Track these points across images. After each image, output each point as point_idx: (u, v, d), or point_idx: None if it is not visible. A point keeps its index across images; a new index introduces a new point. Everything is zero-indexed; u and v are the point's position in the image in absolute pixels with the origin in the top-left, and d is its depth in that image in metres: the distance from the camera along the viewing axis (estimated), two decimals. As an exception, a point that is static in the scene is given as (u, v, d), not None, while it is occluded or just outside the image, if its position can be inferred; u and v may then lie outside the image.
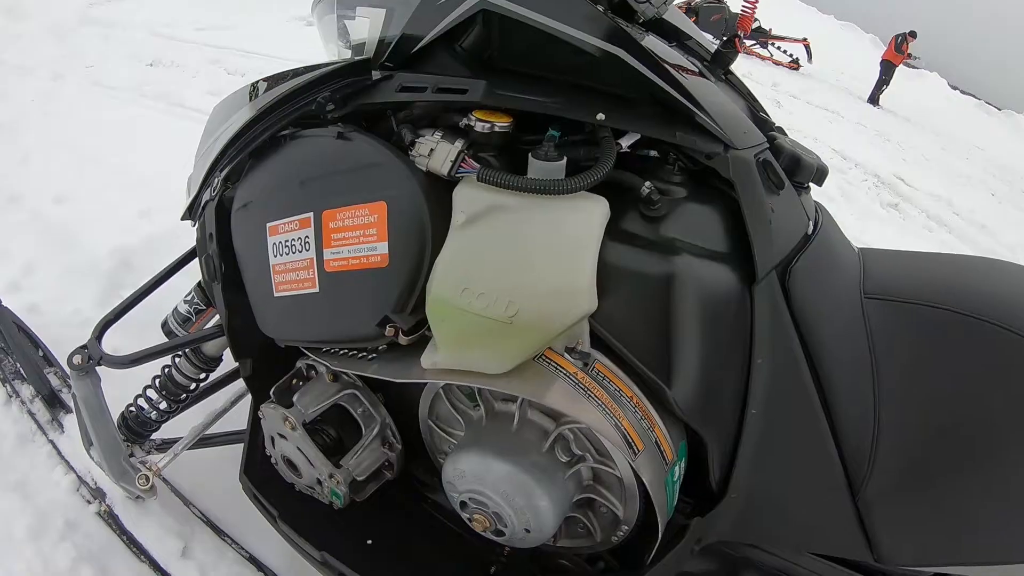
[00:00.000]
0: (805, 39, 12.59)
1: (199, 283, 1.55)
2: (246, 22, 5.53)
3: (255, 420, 1.38)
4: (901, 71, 12.92)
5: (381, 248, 1.03)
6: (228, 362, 1.65)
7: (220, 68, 4.52)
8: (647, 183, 1.01)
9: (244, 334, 1.31)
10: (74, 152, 3.21)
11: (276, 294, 1.18)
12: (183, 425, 1.62)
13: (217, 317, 1.54)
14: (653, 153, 1.14)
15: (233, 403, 1.62)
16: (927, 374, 1.06)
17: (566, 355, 0.98)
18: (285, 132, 1.20)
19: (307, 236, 1.11)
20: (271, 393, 1.26)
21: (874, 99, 12.54)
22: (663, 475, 1.02)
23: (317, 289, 1.11)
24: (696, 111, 1.00)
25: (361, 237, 1.04)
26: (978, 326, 1.05)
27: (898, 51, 12.57)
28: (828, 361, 1.06)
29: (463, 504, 1.10)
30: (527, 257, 0.96)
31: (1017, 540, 1.00)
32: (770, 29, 12.81)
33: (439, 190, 1.02)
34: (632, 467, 1.02)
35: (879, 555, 1.05)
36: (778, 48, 12.97)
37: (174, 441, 1.60)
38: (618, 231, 0.99)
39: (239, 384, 1.69)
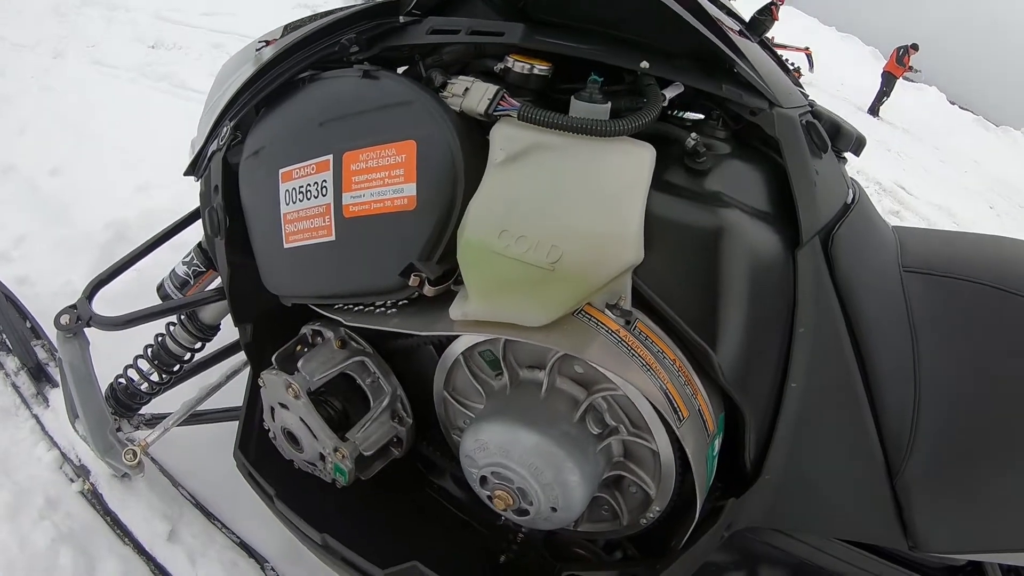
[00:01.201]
0: (807, 48, 12.56)
1: (199, 244, 1.44)
2: (252, 8, 5.41)
3: (253, 391, 1.27)
4: (901, 84, 12.89)
5: (408, 190, 0.94)
6: (225, 334, 1.55)
7: (223, 52, 4.40)
8: (692, 134, 0.95)
9: (246, 296, 1.20)
10: (72, 127, 3.09)
11: (286, 246, 1.07)
12: (174, 400, 1.50)
13: (217, 281, 1.42)
14: (691, 115, 1.08)
15: (229, 378, 1.51)
16: (968, 352, 1.00)
17: (607, 311, 0.89)
18: (304, 75, 1.10)
19: (324, 180, 1.01)
20: (273, 360, 1.15)
21: (874, 110, 12.50)
22: (705, 447, 0.93)
23: (333, 237, 1.01)
24: (742, 64, 0.93)
25: (386, 179, 0.95)
26: (1018, 302, 1.00)
27: (899, 63, 12.54)
28: (869, 334, 0.99)
29: (483, 480, 1.00)
30: (572, 199, 0.88)
31: None
32: (772, 37, 12.74)
33: (473, 131, 0.95)
34: (675, 437, 0.93)
35: (915, 542, 0.98)
36: (780, 57, 12.90)
37: (164, 416, 1.48)
38: (663, 182, 0.91)
39: (236, 358, 1.58)
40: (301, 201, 1.04)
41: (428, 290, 0.94)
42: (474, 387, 1.08)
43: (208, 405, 1.50)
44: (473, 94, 0.93)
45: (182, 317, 1.42)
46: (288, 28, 1.29)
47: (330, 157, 1.00)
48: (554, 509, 0.97)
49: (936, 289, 1.04)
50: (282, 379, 1.10)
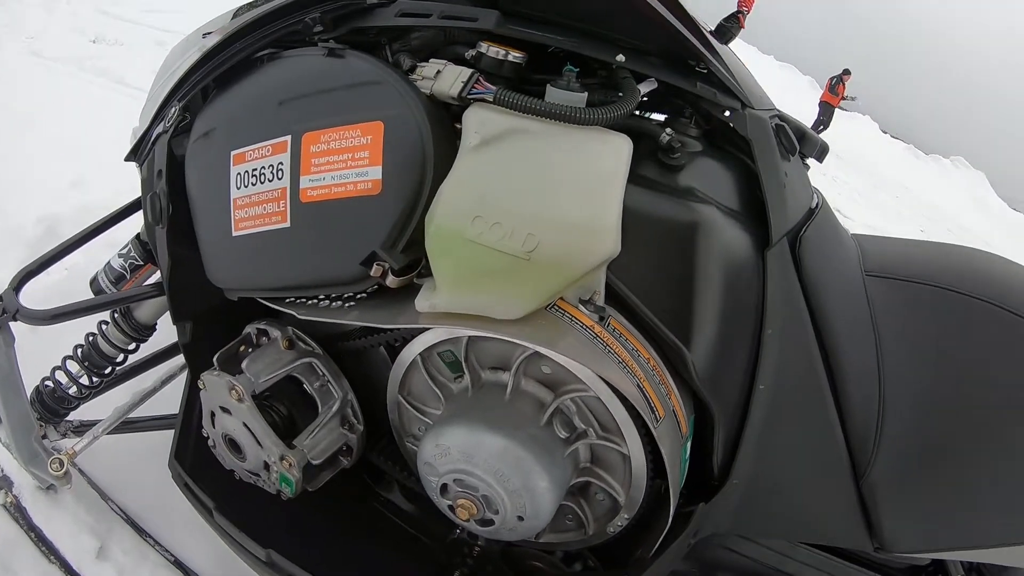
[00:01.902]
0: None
1: (137, 236, 1.33)
2: (197, 7, 5.23)
3: (191, 395, 1.17)
4: (837, 113, 13.35)
5: (373, 173, 0.87)
6: (161, 336, 1.44)
7: (166, 49, 4.22)
8: (667, 129, 0.93)
9: (187, 291, 1.11)
10: (7, 118, 2.90)
11: (235, 233, 0.99)
12: (105, 406, 1.38)
13: (155, 275, 1.32)
14: (657, 117, 1.07)
15: (164, 382, 1.40)
16: (930, 354, 1.01)
17: (581, 307, 0.84)
18: (263, 53, 1.02)
19: (281, 163, 0.93)
20: (214, 360, 1.06)
21: (812, 138, 12.87)
22: (679, 449, 0.89)
23: (288, 223, 0.93)
24: (716, 64, 0.92)
25: (349, 161, 0.88)
26: (980, 307, 1.02)
27: (832, 92, 12.94)
28: (835, 336, 0.98)
29: (443, 489, 0.93)
30: (549, 187, 0.83)
31: (1020, 520, 0.96)
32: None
33: (443, 116, 0.90)
34: (647, 440, 0.90)
35: (881, 542, 0.98)
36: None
37: (94, 423, 1.36)
38: (637, 176, 0.88)
39: (172, 362, 1.47)
40: (254, 185, 0.96)
41: (391, 280, 0.87)
42: (432, 391, 1.01)
43: (141, 412, 1.38)
44: (446, 77, 0.88)
45: (116, 315, 1.31)
46: (239, 12, 1.21)
47: (288, 138, 0.92)
48: (521, 518, 0.91)
49: (897, 292, 1.05)
50: (224, 381, 1.01)
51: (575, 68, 0.88)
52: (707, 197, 0.90)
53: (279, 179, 0.93)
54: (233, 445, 1.08)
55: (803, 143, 1.05)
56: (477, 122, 0.85)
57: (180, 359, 1.45)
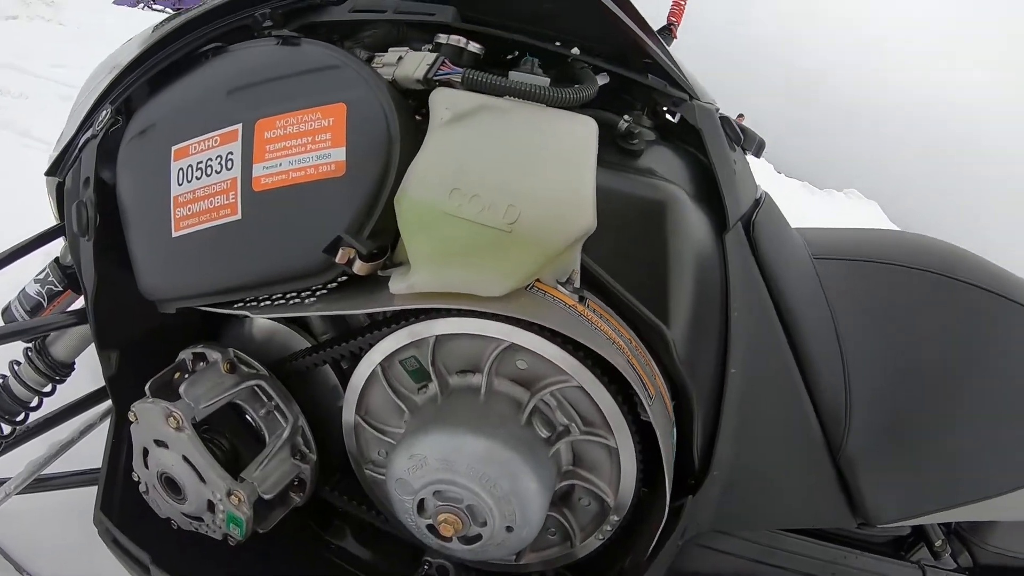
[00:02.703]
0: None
1: (56, 260, 1.18)
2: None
3: (116, 438, 1.03)
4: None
5: (336, 155, 0.80)
6: (80, 385, 1.28)
7: (71, 104, 4.01)
8: (624, 116, 0.93)
9: (114, 314, 0.98)
10: None
11: (175, 234, 0.88)
12: (16, 462, 1.21)
13: (77, 303, 1.16)
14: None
15: (83, 433, 1.24)
16: (884, 325, 1.04)
17: (560, 288, 0.78)
18: (207, 48, 0.94)
19: (230, 152, 0.85)
20: (147, 389, 0.93)
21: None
22: (671, 433, 0.83)
23: (238, 215, 0.84)
24: (664, 58, 0.94)
25: (309, 145, 0.81)
26: (925, 277, 1.06)
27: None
28: (795, 317, 0.99)
29: (420, 506, 0.83)
30: (525, 160, 0.79)
31: (993, 472, 0.99)
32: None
33: (405, 103, 0.85)
34: (635, 430, 0.84)
35: (864, 516, 0.99)
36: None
37: (3, 481, 1.18)
38: (601, 159, 0.84)
39: (92, 411, 1.31)
40: (199, 179, 0.86)
41: (359, 267, 0.79)
42: (394, 406, 0.92)
43: (58, 467, 1.21)
44: (409, 61, 0.84)
45: (30, 352, 1.15)
46: (158, 28, 1.12)
47: (239, 127, 0.84)
48: (510, 528, 0.82)
49: (845, 271, 1.07)
50: (160, 408, 0.89)
51: (534, 57, 0.87)
52: (669, 179, 0.89)
53: (228, 169, 0.84)
54: (171, 485, 0.94)
55: (743, 138, 1.06)
56: (447, 99, 0.81)
57: (100, 408, 1.30)
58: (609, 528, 0.91)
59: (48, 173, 1.08)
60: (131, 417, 0.93)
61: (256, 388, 0.97)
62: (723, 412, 0.93)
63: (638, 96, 0.98)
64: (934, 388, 1.00)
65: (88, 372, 1.41)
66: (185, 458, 0.91)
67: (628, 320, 0.85)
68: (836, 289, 1.04)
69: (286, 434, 0.96)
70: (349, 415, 0.94)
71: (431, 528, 0.85)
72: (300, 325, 1.03)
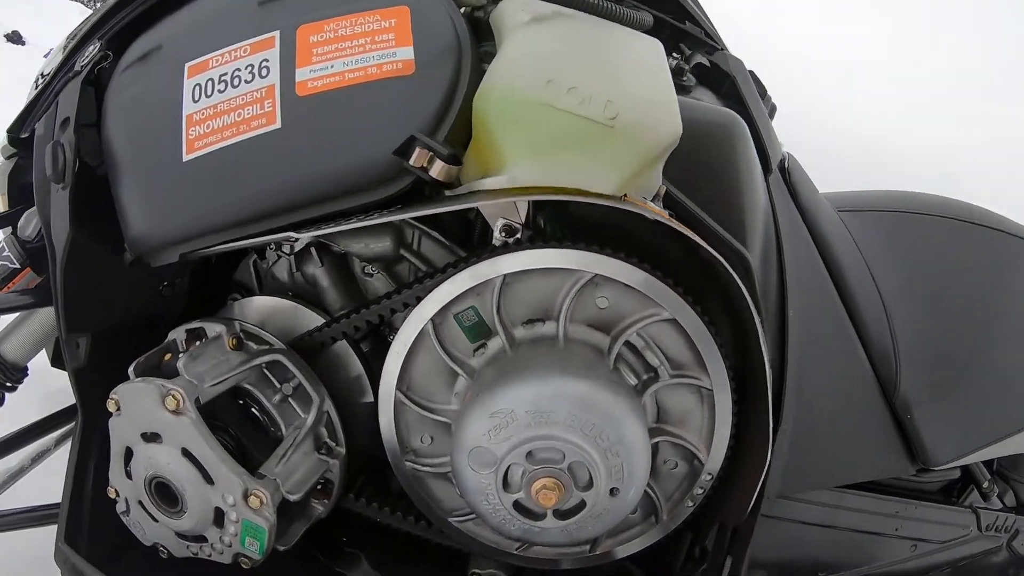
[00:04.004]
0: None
1: (12, 233, 0.84)
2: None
3: (84, 448, 0.72)
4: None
5: (403, 53, 0.62)
6: (29, 410, 0.94)
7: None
8: (674, 54, 0.82)
9: (87, 287, 0.70)
10: None
11: (187, 157, 0.63)
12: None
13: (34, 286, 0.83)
14: None
15: (35, 460, 0.89)
16: (913, 269, 0.95)
17: (651, 203, 0.63)
18: None
19: (265, 60, 0.63)
20: (131, 371, 0.64)
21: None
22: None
23: (278, 124, 0.61)
24: (695, 8, 0.87)
25: (368, 45, 0.62)
26: (945, 223, 0.99)
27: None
28: (835, 262, 0.87)
29: (507, 477, 0.59)
30: (614, 61, 0.65)
31: None
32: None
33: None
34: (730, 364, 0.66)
35: (923, 459, 0.88)
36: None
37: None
38: None
39: (45, 440, 0.95)
40: (222, 91, 0.63)
41: (439, 169, 0.58)
42: (445, 373, 0.68)
43: (5, 504, 0.85)
44: None
45: None
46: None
47: (275, 34, 0.64)
48: (614, 492, 0.60)
49: (872, 222, 0.98)
50: (154, 387, 0.60)
51: None
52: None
53: (263, 77, 0.63)
54: (164, 494, 0.64)
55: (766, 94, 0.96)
56: (522, 4, 0.66)
57: (53, 436, 0.95)
58: (700, 491, 0.70)
59: (11, 131, 0.79)
60: (111, 407, 0.63)
61: (266, 370, 0.70)
62: (788, 357, 0.76)
63: (675, 42, 0.88)
64: (971, 326, 0.92)
65: (37, 397, 1.05)
66: (186, 453, 0.61)
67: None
68: (863, 238, 0.93)
69: (311, 420, 0.68)
70: (387, 393, 0.68)
71: (519, 506, 0.61)
72: (309, 300, 0.77)
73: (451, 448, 0.63)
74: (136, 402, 0.62)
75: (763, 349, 0.63)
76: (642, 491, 0.62)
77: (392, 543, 0.85)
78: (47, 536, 0.72)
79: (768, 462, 0.67)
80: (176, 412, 0.60)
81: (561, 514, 0.61)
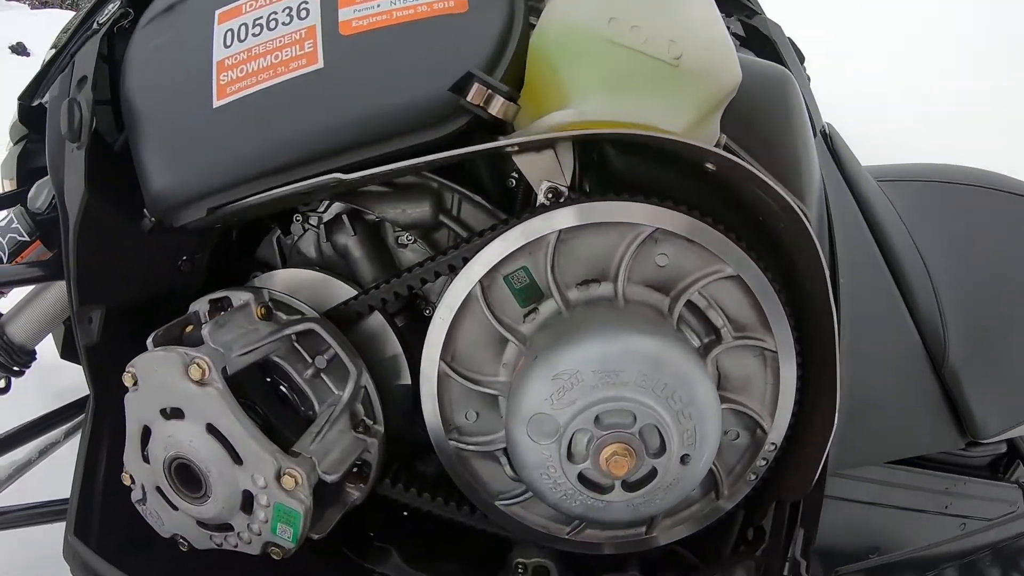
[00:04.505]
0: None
1: (22, 205, 0.74)
2: None
3: (96, 432, 0.62)
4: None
5: None
6: (41, 397, 0.83)
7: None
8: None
9: (101, 256, 0.60)
10: None
11: (218, 103, 0.55)
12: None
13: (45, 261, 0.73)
14: None
15: (43, 453, 0.78)
16: (954, 238, 0.88)
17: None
18: None
19: (304, 2, 0.56)
20: (150, 340, 0.55)
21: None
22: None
23: (320, 64, 0.54)
24: None
25: None
26: (983, 193, 0.93)
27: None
28: (880, 229, 0.82)
29: (571, 444, 0.50)
30: (671, 3, 0.57)
31: None
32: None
33: None
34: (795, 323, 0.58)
35: (973, 432, 0.81)
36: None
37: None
38: None
39: (53, 434, 0.85)
40: (257, 35, 0.56)
41: (499, 106, 0.51)
42: (494, 341, 0.60)
43: (7, 499, 0.74)
44: None
45: None
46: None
47: None
48: (685, 460, 0.52)
49: (910, 192, 0.91)
50: (177, 355, 0.51)
51: None
52: None
53: (302, 19, 0.55)
54: (185, 477, 0.54)
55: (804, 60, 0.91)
56: None
57: (62, 429, 0.84)
58: (763, 463, 0.62)
59: (21, 98, 0.70)
60: (127, 381, 0.54)
61: (297, 343, 0.61)
62: (841, 325, 0.69)
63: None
64: (1013, 297, 0.85)
65: (45, 394, 0.95)
66: (211, 429, 0.52)
67: None
68: (902, 208, 0.87)
69: (347, 394, 0.59)
70: (431, 365, 0.59)
71: (583, 478, 0.52)
72: (340, 273, 0.68)
73: (505, 420, 0.54)
74: (156, 374, 0.52)
75: (832, 304, 0.56)
76: (712, 460, 0.54)
77: (422, 535, 0.76)
78: (53, 534, 0.62)
79: (834, 429, 0.60)
80: (201, 383, 0.51)
81: (629, 486, 0.53)
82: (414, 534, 0.75)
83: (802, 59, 0.84)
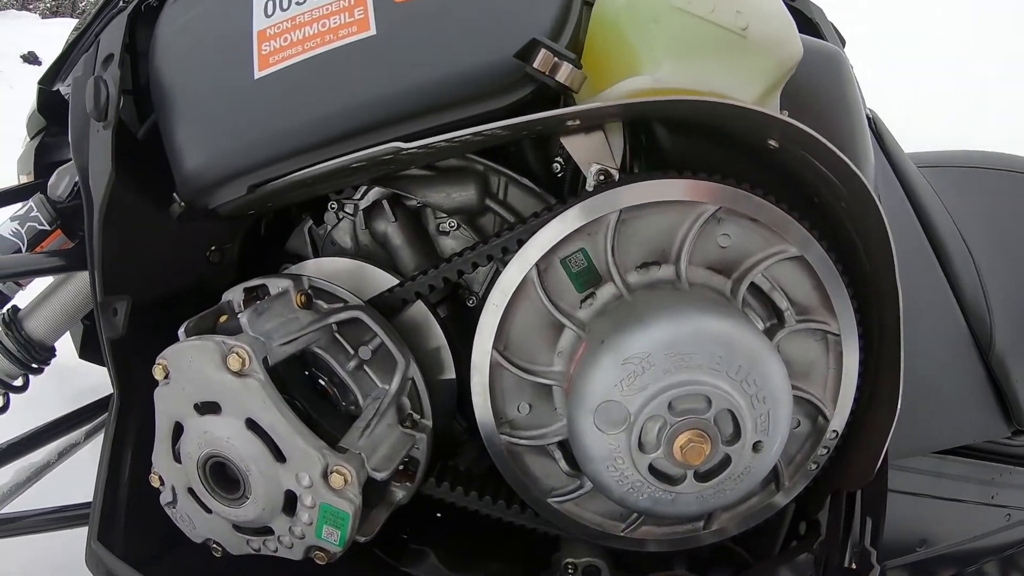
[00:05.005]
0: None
1: (42, 194, 0.67)
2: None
3: (120, 431, 0.54)
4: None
5: None
6: (58, 400, 0.75)
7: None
8: None
9: (127, 244, 0.54)
10: None
11: (259, 74, 0.49)
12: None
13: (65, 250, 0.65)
14: None
15: (63, 455, 0.70)
16: (995, 223, 0.83)
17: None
18: None
19: None
20: (182, 331, 0.48)
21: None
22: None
23: (372, 31, 0.48)
24: None
25: None
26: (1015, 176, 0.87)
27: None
28: (925, 213, 0.77)
29: (641, 432, 0.44)
30: None
31: None
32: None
33: None
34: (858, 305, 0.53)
35: (1018, 420, 0.75)
36: None
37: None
38: None
39: (73, 435, 0.77)
40: (301, 3, 0.50)
41: (566, 73, 0.45)
42: (550, 326, 0.53)
43: (26, 503, 0.66)
44: None
45: (0, 327, 0.62)
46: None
47: None
48: (758, 447, 0.47)
49: (948, 178, 0.85)
50: (215, 344, 0.44)
51: None
52: None
53: None
54: (221, 477, 0.47)
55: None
56: None
57: (82, 430, 0.76)
58: (824, 452, 0.56)
59: (42, 82, 0.63)
60: (158, 374, 0.47)
61: (338, 334, 0.54)
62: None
63: None
64: None
65: (63, 397, 0.87)
66: (251, 424, 0.45)
67: None
68: (943, 194, 0.82)
69: (395, 385, 0.52)
70: (483, 354, 0.53)
71: (653, 470, 0.46)
72: (377, 263, 0.62)
73: (568, 411, 0.48)
74: (190, 365, 0.45)
75: (898, 280, 0.51)
76: (782, 447, 0.49)
77: (459, 536, 0.69)
78: (73, 540, 0.54)
79: (897, 415, 0.54)
80: (240, 374, 0.45)
81: (701, 476, 0.47)
82: (450, 535, 0.68)
83: (843, 43, 0.79)
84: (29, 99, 0.76)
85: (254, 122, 0.49)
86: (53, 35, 2.09)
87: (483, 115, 0.46)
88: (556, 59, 0.44)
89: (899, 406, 0.53)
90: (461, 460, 0.64)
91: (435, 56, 0.47)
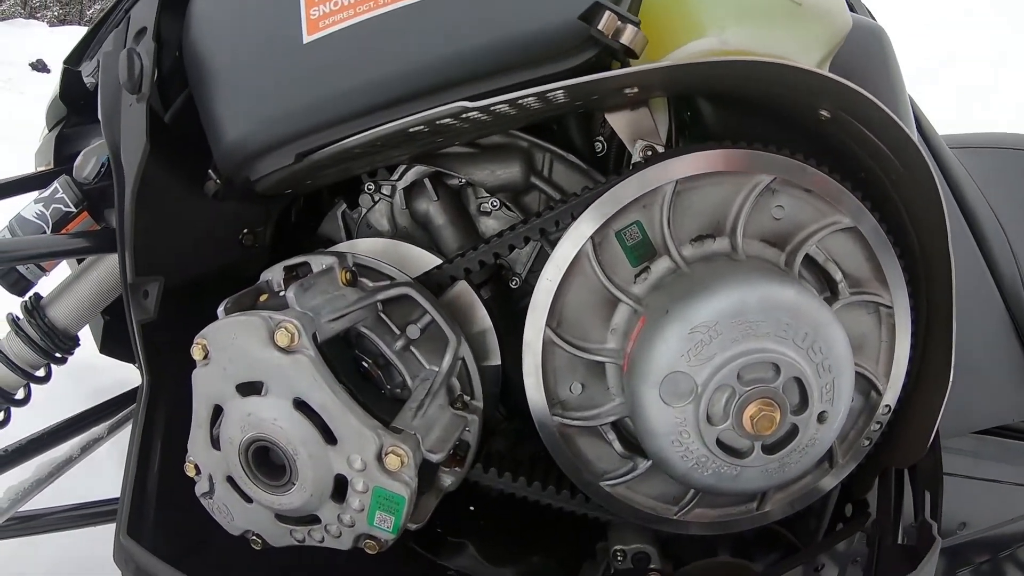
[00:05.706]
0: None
1: (68, 175, 0.59)
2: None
3: (149, 420, 0.47)
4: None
5: None
6: (77, 394, 0.68)
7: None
8: None
9: (160, 221, 0.48)
10: None
11: (308, 38, 0.44)
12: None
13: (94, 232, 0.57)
14: None
15: (85, 450, 0.62)
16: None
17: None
18: None
19: None
20: (221, 309, 0.42)
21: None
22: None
23: None
24: None
25: None
26: None
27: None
28: (961, 194, 0.73)
29: (710, 410, 0.40)
30: None
31: None
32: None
33: None
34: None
35: None
36: None
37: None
38: None
39: (96, 429, 0.69)
40: None
41: (630, 36, 0.40)
42: (604, 302, 0.48)
43: (47, 500, 0.58)
44: None
45: (20, 317, 0.54)
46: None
47: None
48: (822, 417, 0.43)
49: (979, 160, 0.81)
50: (261, 319, 0.38)
51: None
52: None
53: None
54: (264, 463, 0.41)
55: None
56: None
57: (105, 424, 0.68)
58: (876, 427, 0.51)
59: (67, 61, 0.57)
60: (197, 354, 0.40)
61: (383, 314, 0.48)
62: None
63: None
64: None
65: (84, 393, 0.79)
66: (299, 404, 0.39)
67: None
68: (977, 175, 0.78)
69: (446, 364, 0.47)
70: (535, 332, 0.47)
71: (720, 443, 0.41)
72: (416, 242, 0.56)
73: (630, 386, 0.43)
74: (234, 342, 0.39)
75: (950, 249, 0.47)
76: (844, 419, 0.44)
77: (498, 529, 0.63)
78: (98, 537, 0.47)
79: (949, 388, 0.50)
80: (289, 350, 0.39)
81: (768, 448, 0.43)
82: (489, 528, 0.62)
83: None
84: (38, 105, 0.70)
85: (305, 87, 0.44)
86: (61, 43, 2.01)
87: (544, 78, 0.42)
88: (620, 22, 0.40)
89: (951, 379, 0.49)
90: (499, 447, 0.58)
91: (497, 17, 0.42)
